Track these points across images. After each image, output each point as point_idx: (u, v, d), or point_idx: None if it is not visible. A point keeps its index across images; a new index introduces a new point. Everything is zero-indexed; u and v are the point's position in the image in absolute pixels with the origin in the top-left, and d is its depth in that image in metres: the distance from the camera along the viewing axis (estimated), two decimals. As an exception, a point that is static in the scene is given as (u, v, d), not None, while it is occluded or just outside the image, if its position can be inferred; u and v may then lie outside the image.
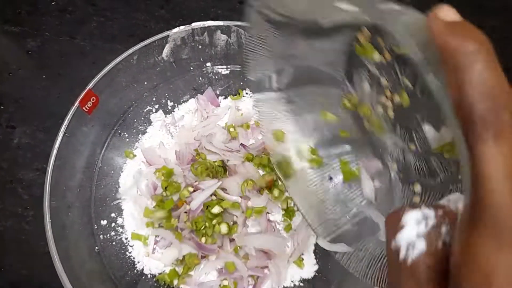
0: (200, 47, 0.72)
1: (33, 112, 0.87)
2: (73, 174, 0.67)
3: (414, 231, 0.24)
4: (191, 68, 0.75)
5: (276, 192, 0.67)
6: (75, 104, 0.63)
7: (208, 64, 0.77)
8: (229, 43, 0.71)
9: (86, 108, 0.64)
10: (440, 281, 0.22)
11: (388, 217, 0.26)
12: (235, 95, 0.79)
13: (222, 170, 0.68)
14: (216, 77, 0.79)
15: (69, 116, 0.62)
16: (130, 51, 0.66)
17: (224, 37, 0.70)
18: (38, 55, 0.93)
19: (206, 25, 0.68)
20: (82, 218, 0.65)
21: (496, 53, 0.21)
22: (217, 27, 0.68)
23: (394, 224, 0.25)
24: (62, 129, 0.62)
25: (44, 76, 0.91)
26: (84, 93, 0.63)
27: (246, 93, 0.79)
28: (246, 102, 0.78)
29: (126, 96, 0.71)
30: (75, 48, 0.93)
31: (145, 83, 0.72)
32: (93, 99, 0.65)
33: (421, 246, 0.23)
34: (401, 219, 0.25)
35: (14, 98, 0.88)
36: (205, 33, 0.69)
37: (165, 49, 0.69)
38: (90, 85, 0.64)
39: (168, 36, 0.68)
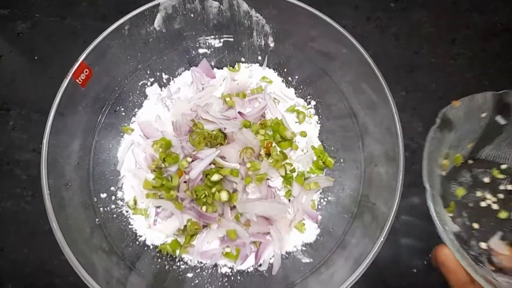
0: (192, 15, 0.71)
1: (26, 94, 0.86)
2: (70, 150, 0.66)
3: None
4: (184, 39, 0.74)
5: (274, 156, 0.66)
6: (68, 77, 0.62)
7: (201, 37, 0.76)
8: (222, 10, 0.71)
9: (79, 81, 0.64)
10: None
11: None
12: (230, 65, 0.78)
13: (221, 136, 0.67)
14: (211, 49, 0.78)
15: (62, 89, 0.61)
16: (121, 20, 0.65)
17: (216, 4, 0.69)
18: (28, 37, 0.92)
19: (197, -8, 0.67)
20: (82, 192, 0.65)
21: None
22: (209, -6, 0.68)
23: None
24: (56, 101, 0.61)
25: (36, 58, 0.90)
26: (77, 65, 0.63)
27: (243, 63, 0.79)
28: (242, 72, 0.78)
29: (119, 69, 0.71)
30: (66, 29, 0.92)
31: (139, 55, 0.71)
32: (86, 72, 0.64)
33: None
34: None
35: (7, 81, 0.87)
36: (196, 1, 0.68)
37: (156, 18, 0.68)
38: (83, 57, 0.63)
39: (159, 4, 0.67)
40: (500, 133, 0.65)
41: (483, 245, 0.61)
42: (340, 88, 0.72)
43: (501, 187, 0.66)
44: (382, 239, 0.54)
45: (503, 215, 0.64)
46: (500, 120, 0.63)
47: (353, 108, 0.71)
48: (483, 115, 0.63)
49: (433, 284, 0.71)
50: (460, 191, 0.65)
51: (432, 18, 0.92)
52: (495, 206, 0.65)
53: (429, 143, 0.55)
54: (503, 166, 0.67)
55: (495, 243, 0.61)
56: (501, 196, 0.65)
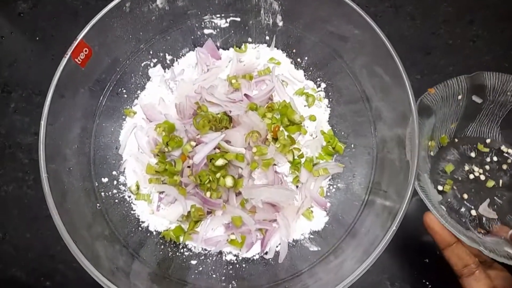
0: (196, -8, 0.67)
1: (28, 76, 0.84)
2: (71, 133, 0.64)
3: None
4: (189, 18, 0.71)
5: (282, 141, 0.64)
6: (67, 56, 0.59)
7: (206, 15, 0.72)
8: (228, -13, 0.67)
9: (78, 60, 0.61)
10: None
11: None
12: (237, 46, 0.75)
13: (226, 119, 0.65)
14: (216, 29, 0.75)
15: (60, 68, 0.58)
16: (122, -3, 0.62)
17: (221, -21, 0.66)
18: (30, 17, 0.89)
19: (202, -33, 0.63)
20: (82, 176, 0.63)
21: None
22: (214, -31, 0.64)
23: None
24: (54, 82, 0.58)
25: (37, 39, 0.87)
26: (76, 44, 0.60)
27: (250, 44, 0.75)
28: (249, 53, 0.74)
29: (121, 49, 0.68)
30: (67, 9, 0.89)
31: (141, 34, 0.68)
32: (85, 51, 0.61)
33: None
34: None
35: (8, 62, 0.85)
36: (201, -24, 0.65)
37: (159, -5, 0.65)
38: (82, 35, 0.60)
39: (161, -20, 0.64)
40: (480, 110, 0.73)
41: (473, 212, 0.71)
42: (353, 71, 0.69)
43: (487, 159, 0.74)
44: (394, 227, 0.52)
45: (490, 184, 0.72)
46: (476, 99, 0.71)
47: (366, 91, 0.68)
48: (460, 97, 0.70)
49: (445, 274, 0.68)
50: (449, 167, 0.73)
51: (449, -3, 0.88)
52: (482, 177, 0.73)
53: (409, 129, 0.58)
54: (488, 140, 0.75)
55: (484, 209, 0.70)
56: (487, 167, 0.74)
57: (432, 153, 0.74)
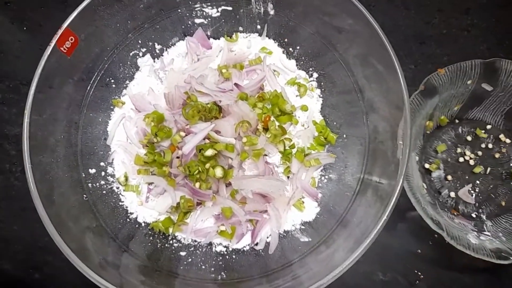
0: (186, -22, 0.66)
1: (16, 66, 0.83)
2: (57, 124, 0.62)
3: None
4: (179, 6, 0.70)
5: (273, 131, 0.62)
6: (52, 44, 0.58)
7: (197, 3, 0.71)
8: (217, -27, 0.66)
9: (64, 49, 0.60)
10: None
11: None
12: (228, 35, 0.74)
13: (216, 108, 0.64)
14: (207, 19, 0.73)
15: (45, 56, 0.57)
16: (109, -17, 0.60)
17: (211, -34, 0.64)
18: (17, 6, 0.87)
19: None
20: (69, 167, 0.62)
21: None
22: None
23: None
24: (39, 71, 0.57)
25: (25, 28, 0.85)
26: (61, 32, 0.59)
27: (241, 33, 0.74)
28: (240, 43, 0.73)
29: (108, 38, 0.66)
30: (55, -3, 0.88)
31: (129, 22, 0.67)
32: (71, 39, 0.60)
33: None
34: None
35: (-5, 52, 0.84)
36: (190, -38, 0.63)
37: (147, -19, 0.64)
38: (67, 22, 0.59)
39: (149, -35, 0.62)
40: (487, 96, 0.72)
41: (452, 194, 0.72)
42: (346, 61, 0.68)
43: (482, 146, 0.74)
44: (385, 217, 0.51)
45: (477, 170, 0.73)
46: (487, 86, 0.70)
47: (359, 82, 0.67)
48: (469, 82, 0.70)
49: (437, 265, 0.68)
50: (441, 147, 0.73)
51: (445, -15, 0.86)
52: (471, 162, 0.73)
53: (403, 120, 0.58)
54: (488, 126, 0.75)
55: (464, 193, 0.71)
56: (479, 153, 0.74)
57: (428, 132, 0.73)
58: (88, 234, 0.59)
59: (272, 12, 0.71)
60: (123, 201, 0.65)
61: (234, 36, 0.73)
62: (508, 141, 0.74)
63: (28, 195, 0.72)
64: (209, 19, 0.74)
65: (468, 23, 0.83)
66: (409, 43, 0.82)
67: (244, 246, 0.64)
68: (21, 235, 0.72)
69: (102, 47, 0.66)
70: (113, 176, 0.66)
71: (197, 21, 0.73)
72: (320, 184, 0.67)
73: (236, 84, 0.66)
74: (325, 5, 0.66)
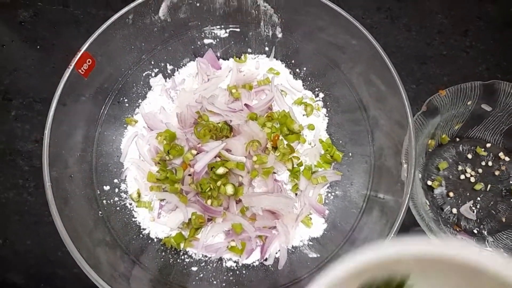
0: (198, 4, 0.69)
1: (28, 83, 0.85)
2: (73, 141, 0.65)
3: None
4: (190, 29, 0.72)
5: (281, 150, 0.65)
6: (71, 66, 0.60)
7: (207, 26, 0.74)
8: (228, 0, 0.69)
9: (82, 71, 0.62)
10: None
11: None
12: (237, 56, 0.77)
13: (227, 128, 0.66)
14: (216, 39, 0.76)
15: (64, 79, 0.59)
16: (125, 9, 0.63)
17: (222, -8, 0.67)
18: (31, 26, 0.90)
19: (204, -20, 0.65)
20: (84, 184, 0.64)
21: None
22: (215, -18, 0.65)
23: None
24: (58, 92, 0.59)
25: (38, 47, 0.88)
26: (79, 55, 0.61)
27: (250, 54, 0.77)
28: (249, 63, 0.76)
29: (123, 60, 0.69)
30: (68, 17, 0.90)
31: (143, 45, 0.69)
32: (89, 61, 0.63)
33: None
34: None
35: (9, 70, 0.86)
36: (203, -11, 0.66)
37: (161, 7, 0.66)
38: (85, 46, 0.61)
39: (164, -7, 0.65)
40: (487, 116, 0.75)
41: (454, 210, 0.74)
42: (350, 80, 0.70)
43: (483, 163, 0.77)
44: (392, 235, 0.53)
45: (478, 186, 0.75)
46: (486, 107, 0.73)
47: (363, 101, 0.69)
48: (469, 102, 0.73)
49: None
50: (443, 165, 0.76)
51: (444, 8, 0.90)
52: (472, 179, 0.76)
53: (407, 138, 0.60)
54: (488, 145, 0.77)
55: (465, 209, 0.73)
56: (480, 171, 0.76)
57: (430, 150, 0.76)
58: (102, 248, 0.60)
59: (280, 35, 0.73)
60: (135, 217, 0.67)
61: (243, 57, 0.76)
62: (507, 159, 0.76)
63: (40, 210, 0.75)
64: (218, 39, 0.76)
65: (467, 44, 0.86)
66: (410, 64, 0.85)
67: (253, 262, 0.65)
68: (32, 249, 0.74)
69: (116, 68, 0.69)
70: (126, 192, 0.68)
71: (207, 41, 0.76)
72: (327, 201, 0.69)
73: (246, 104, 0.68)
74: (329, 28, 0.69)
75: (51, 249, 0.73)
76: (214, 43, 0.76)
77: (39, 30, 0.89)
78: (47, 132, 0.58)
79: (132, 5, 0.64)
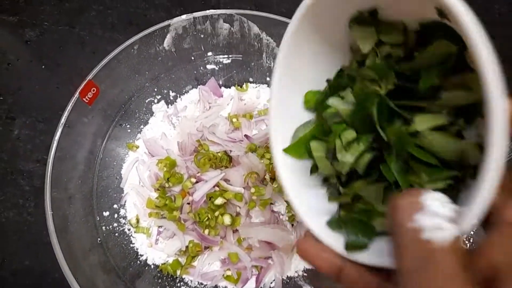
0: (202, 36, 0.70)
1: (32, 103, 0.86)
2: (74, 165, 0.66)
3: (441, 213, 0.22)
4: (193, 58, 0.74)
5: (279, 181, 0.66)
6: (75, 95, 0.62)
7: (210, 53, 0.75)
8: (232, 32, 0.70)
9: (86, 99, 0.63)
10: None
11: (401, 197, 0.24)
12: (238, 85, 0.78)
13: (226, 158, 0.67)
14: (218, 67, 0.78)
15: (69, 108, 0.61)
16: (131, 40, 0.65)
17: (226, 25, 0.69)
18: (36, 45, 0.92)
19: (208, 14, 0.66)
20: (84, 209, 0.65)
21: None
22: (220, 15, 0.67)
23: (410, 205, 0.23)
24: (63, 120, 0.61)
25: (43, 67, 0.89)
26: (84, 84, 0.62)
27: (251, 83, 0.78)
28: (250, 92, 0.77)
29: (127, 87, 0.70)
30: (74, 38, 0.92)
31: (147, 73, 0.71)
32: (93, 90, 0.64)
33: (450, 230, 0.21)
34: (420, 199, 0.23)
35: (13, 89, 0.87)
36: (207, 22, 0.68)
37: (166, 38, 0.68)
38: (90, 76, 0.63)
39: (169, 25, 0.66)
40: None
41: None
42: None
43: None
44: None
45: None
46: None
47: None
48: None
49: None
50: None
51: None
52: None
53: None
54: None
55: None
56: None
57: None
58: (99, 273, 0.61)
59: (281, 68, 0.75)
60: (134, 243, 0.68)
61: (244, 86, 0.78)
62: None
63: (39, 230, 0.76)
64: (221, 65, 0.78)
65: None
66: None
67: (248, 291, 0.66)
68: (31, 269, 0.74)
69: (120, 95, 0.70)
70: (125, 217, 0.69)
71: (209, 67, 0.78)
72: (322, 232, 0.70)
73: (246, 135, 0.70)
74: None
75: (49, 269, 0.74)
76: (216, 69, 0.78)
77: (44, 49, 0.91)
78: (50, 160, 0.59)
79: (138, 36, 0.65)
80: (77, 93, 0.62)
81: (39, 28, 0.92)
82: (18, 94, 0.87)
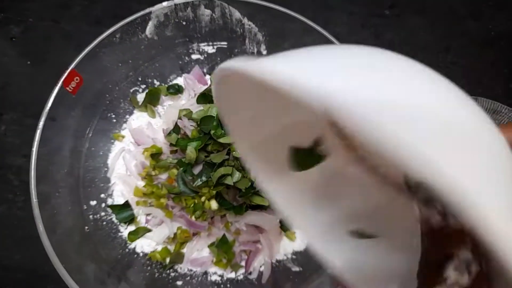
0: (184, 23, 0.71)
1: (19, 98, 0.86)
2: (61, 157, 0.66)
3: None
4: (177, 47, 0.74)
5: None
6: (58, 84, 0.62)
7: (194, 42, 0.76)
8: (214, 18, 0.70)
9: (70, 88, 0.63)
10: None
11: None
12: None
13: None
14: (203, 56, 0.78)
15: (52, 97, 0.61)
16: (112, 29, 0.65)
17: (208, 12, 0.69)
18: (22, 41, 0.92)
19: (189, 0, 0.67)
20: (71, 199, 0.65)
21: None
22: (201, 1, 0.67)
23: None
24: (46, 109, 0.61)
25: (29, 62, 0.89)
26: (67, 73, 0.63)
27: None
28: (234, 79, 0.78)
29: (111, 76, 0.71)
30: (59, 33, 0.92)
31: (130, 61, 0.71)
32: (76, 79, 0.64)
33: None
34: None
35: (0, 85, 0.87)
36: (189, 8, 0.68)
37: (148, 26, 0.68)
38: (73, 65, 0.63)
39: (150, 12, 0.67)
40: None
41: None
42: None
43: None
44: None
45: None
46: None
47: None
48: None
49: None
50: None
51: (427, 25, 0.92)
52: None
53: None
54: None
55: None
56: None
57: None
58: (88, 263, 0.61)
59: (264, 52, 0.75)
60: (122, 232, 0.68)
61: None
62: None
63: (29, 225, 0.75)
64: (205, 55, 0.78)
65: (448, 60, 0.88)
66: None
67: (238, 275, 0.67)
68: (22, 264, 0.74)
69: (104, 85, 0.70)
70: (112, 207, 0.69)
71: (194, 57, 0.78)
72: (310, 215, 0.70)
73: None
74: (311, 45, 0.71)
75: (40, 264, 0.73)
76: (201, 58, 0.78)
77: (30, 45, 0.91)
78: (34, 149, 0.59)
79: (120, 24, 0.65)
80: (60, 82, 0.62)
81: (24, 24, 0.92)
82: (5, 90, 0.87)
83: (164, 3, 0.66)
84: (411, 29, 0.92)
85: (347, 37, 0.84)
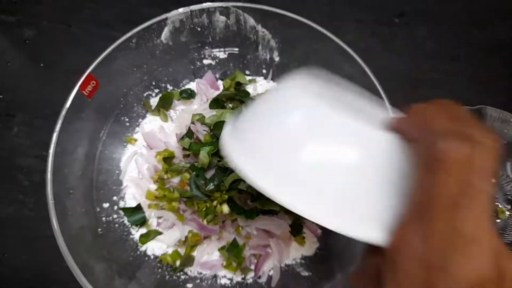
0: (199, 29, 0.72)
1: (31, 100, 0.87)
2: (74, 159, 0.67)
3: None
4: (190, 52, 0.75)
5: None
6: (76, 88, 0.63)
7: (207, 47, 0.77)
8: (228, 25, 0.72)
9: (86, 92, 0.64)
10: None
11: None
12: (235, 78, 0.79)
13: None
14: (215, 61, 0.79)
15: (69, 100, 0.62)
16: (129, 34, 0.66)
17: (223, 18, 0.70)
18: (34, 43, 0.92)
19: (205, 7, 0.68)
20: (84, 201, 0.65)
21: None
22: (216, 8, 0.68)
23: None
24: (63, 112, 0.62)
25: (41, 65, 0.90)
26: (84, 77, 0.63)
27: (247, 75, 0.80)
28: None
29: (125, 81, 0.71)
30: (70, 36, 0.93)
31: (145, 66, 0.72)
32: (93, 83, 0.65)
33: None
34: None
35: (12, 87, 0.88)
36: (204, 15, 0.69)
37: (164, 32, 0.69)
38: (90, 69, 0.63)
39: (166, 18, 0.68)
40: None
41: None
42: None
43: None
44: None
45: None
46: None
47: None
48: None
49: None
50: None
51: (434, 34, 0.94)
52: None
53: None
54: None
55: None
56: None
57: None
58: (99, 264, 0.62)
59: (277, 59, 0.76)
60: (133, 234, 0.69)
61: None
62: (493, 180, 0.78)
63: (38, 226, 0.76)
64: (217, 60, 0.79)
65: (456, 69, 0.90)
66: (401, 87, 0.88)
67: (247, 279, 0.67)
68: (30, 264, 0.75)
69: (118, 89, 0.71)
70: (124, 210, 0.70)
71: (206, 62, 0.79)
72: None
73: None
74: (323, 51, 0.72)
75: (47, 264, 0.74)
76: (213, 63, 0.79)
77: (42, 48, 0.92)
78: (51, 151, 0.60)
79: (136, 30, 0.66)
80: (77, 86, 0.63)
81: (37, 27, 0.93)
82: (17, 92, 0.88)
83: (181, 9, 0.67)
84: (419, 38, 0.93)
85: (355, 45, 0.85)
